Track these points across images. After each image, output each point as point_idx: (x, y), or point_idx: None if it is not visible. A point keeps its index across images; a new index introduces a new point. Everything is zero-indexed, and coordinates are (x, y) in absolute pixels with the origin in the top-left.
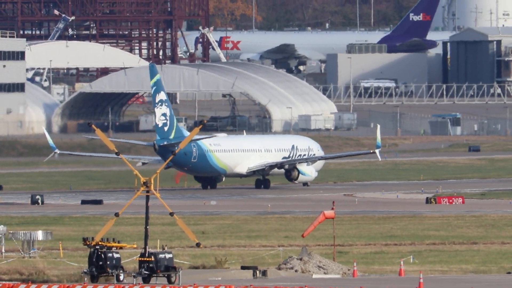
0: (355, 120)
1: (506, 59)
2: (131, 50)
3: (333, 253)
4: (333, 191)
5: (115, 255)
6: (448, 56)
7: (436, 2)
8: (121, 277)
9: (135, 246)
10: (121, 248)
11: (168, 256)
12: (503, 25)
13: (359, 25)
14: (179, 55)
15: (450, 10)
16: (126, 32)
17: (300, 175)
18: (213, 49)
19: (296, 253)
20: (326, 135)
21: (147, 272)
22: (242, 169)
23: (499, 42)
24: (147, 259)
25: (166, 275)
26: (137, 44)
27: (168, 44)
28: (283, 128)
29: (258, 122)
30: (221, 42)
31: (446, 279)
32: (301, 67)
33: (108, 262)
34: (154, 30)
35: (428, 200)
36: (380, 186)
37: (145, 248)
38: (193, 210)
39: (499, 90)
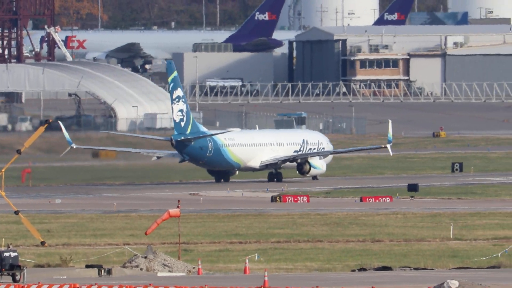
0: (201, 119)
1: (352, 58)
2: None
3: (178, 251)
4: (178, 190)
5: None
6: (294, 55)
7: (282, 1)
8: None
9: None
10: None
11: (13, 254)
12: (349, 24)
13: (205, 24)
14: (25, 54)
15: (296, 9)
16: None
17: (311, 168)
18: (59, 48)
19: (141, 251)
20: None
21: None
22: (256, 163)
23: (344, 41)
24: None
25: (11, 274)
26: None
27: (13, 43)
28: (129, 127)
29: (103, 121)
30: (66, 41)
31: (291, 277)
32: (147, 66)
33: None
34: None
35: (273, 199)
36: (226, 185)
37: None
38: (38, 208)
39: (344, 89)
